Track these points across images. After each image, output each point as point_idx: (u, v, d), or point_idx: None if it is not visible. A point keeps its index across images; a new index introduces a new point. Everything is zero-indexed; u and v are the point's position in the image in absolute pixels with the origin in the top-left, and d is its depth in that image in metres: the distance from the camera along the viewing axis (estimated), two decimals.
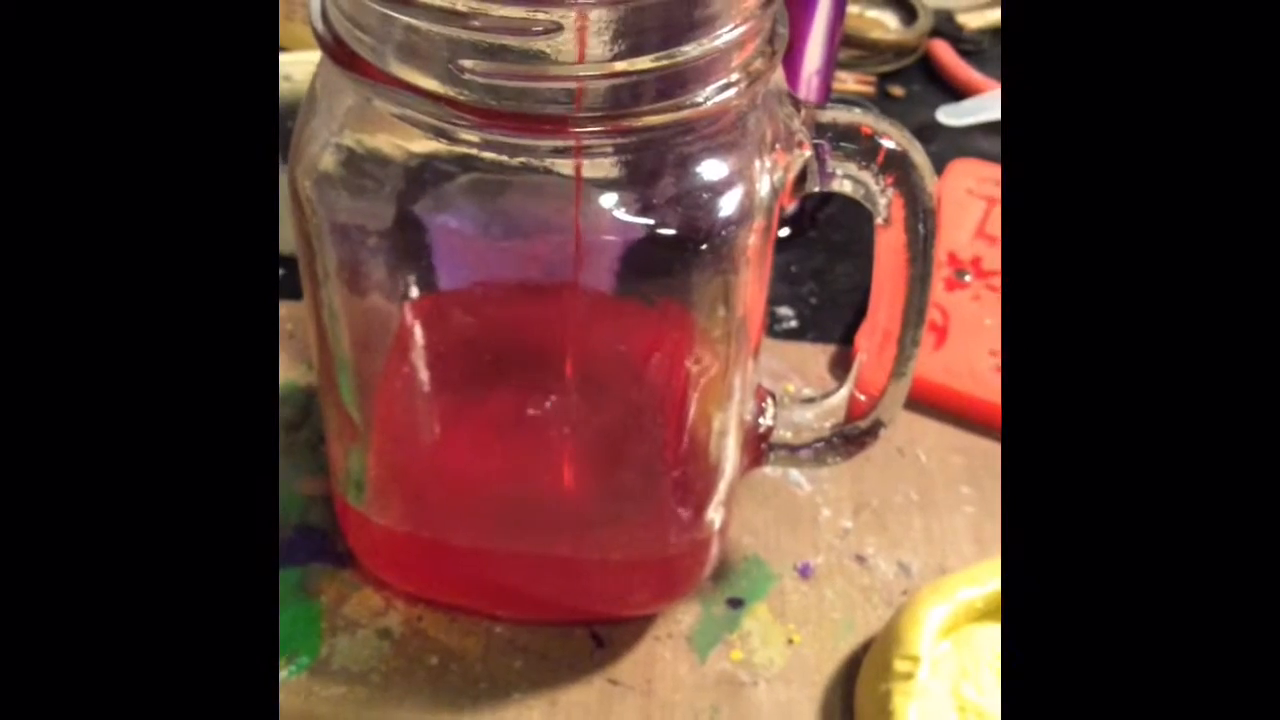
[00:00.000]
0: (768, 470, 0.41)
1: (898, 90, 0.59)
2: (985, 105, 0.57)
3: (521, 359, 0.34)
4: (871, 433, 0.35)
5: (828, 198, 0.53)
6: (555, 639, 0.36)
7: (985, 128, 0.57)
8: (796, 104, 0.30)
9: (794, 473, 0.41)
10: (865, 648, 0.36)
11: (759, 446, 0.35)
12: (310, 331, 0.32)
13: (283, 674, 0.34)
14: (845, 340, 0.46)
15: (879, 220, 0.31)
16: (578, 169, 0.27)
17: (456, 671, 0.35)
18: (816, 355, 0.46)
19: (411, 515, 0.34)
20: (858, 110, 0.30)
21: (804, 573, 0.38)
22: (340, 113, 0.28)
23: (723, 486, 0.34)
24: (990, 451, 0.42)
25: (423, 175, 0.28)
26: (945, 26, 0.63)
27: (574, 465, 0.34)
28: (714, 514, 0.34)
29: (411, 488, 0.34)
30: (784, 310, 0.47)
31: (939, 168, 0.52)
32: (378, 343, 0.31)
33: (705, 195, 0.27)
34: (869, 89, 0.59)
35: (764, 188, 0.28)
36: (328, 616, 0.36)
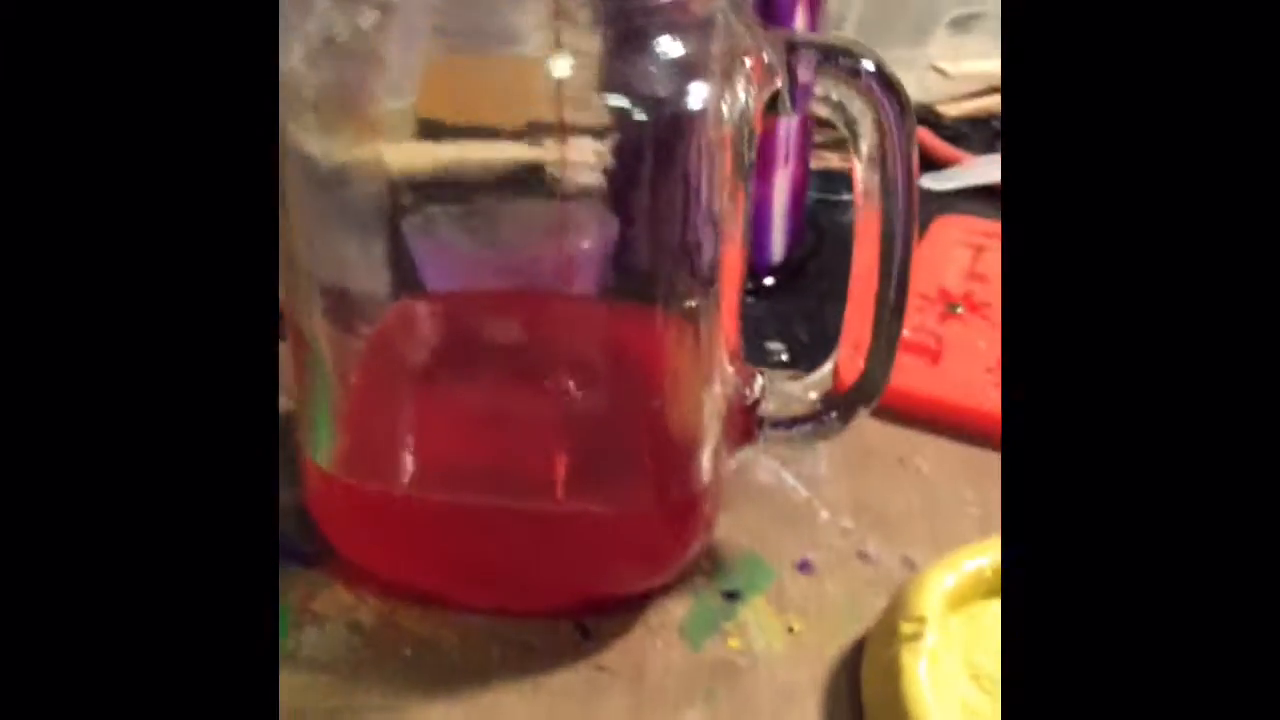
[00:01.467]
0: (761, 476, 0.40)
1: None
2: (967, 173, 0.58)
3: (505, 323, 0.33)
4: (862, 399, 0.34)
5: (817, 249, 0.53)
6: (538, 630, 0.33)
7: (968, 192, 0.57)
8: (767, 27, 0.30)
9: (790, 478, 0.39)
10: (868, 638, 0.34)
11: (748, 420, 0.34)
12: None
13: None
14: None
15: (858, 149, 0.31)
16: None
17: (431, 661, 0.32)
18: None
19: (384, 470, 0.32)
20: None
21: (803, 568, 0.36)
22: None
23: (709, 442, 0.32)
24: (992, 462, 0.41)
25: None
26: (924, 116, 0.64)
27: (556, 422, 0.32)
28: (702, 470, 0.32)
29: (386, 440, 0.32)
30: (774, 345, 0.47)
31: (925, 224, 0.52)
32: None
33: (669, 76, 0.27)
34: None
35: (732, 98, 0.28)
36: (294, 612, 0.34)
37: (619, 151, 0.28)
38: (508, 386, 0.32)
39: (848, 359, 0.34)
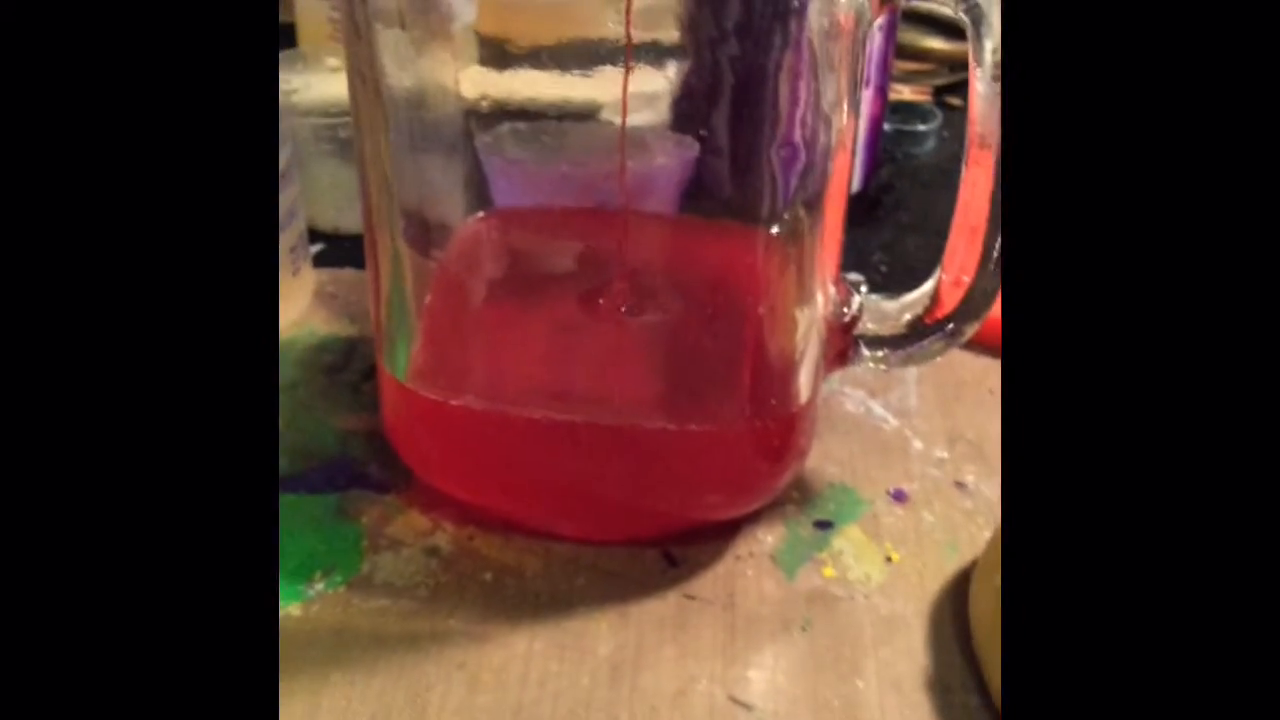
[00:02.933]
0: (849, 407, 0.38)
1: (956, 100, 0.58)
2: None
3: (594, 239, 0.31)
4: (964, 321, 0.32)
5: (892, 182, 0.51)
6: (623, 558, 0.32)
7: None
8: None
9: (878, 409, 0.38)
10: (975, 566, 0.32)
11: (845, 338, 0.32)
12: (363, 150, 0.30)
13: (318, 587, 0.30)
14: None
15: (979, 48, 0.28)
16: None
17: (513, 586, 0.31)
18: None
19: (467, 385, 0.30)
20: None
21: (898, 498, 0.34)
22: None
23: (807, 361, 0.30)
24: None
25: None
26: None
27: (649, 334, 0.30)
28: (800, 389, 0.30)
29: (470, 354, 0.30)
30: (854, 276, 0.45)
31: None
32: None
33: None
34: (927, 98, 0.57)
35: None
36: (369, 536, 0.32)
37: (702, 45, 0.26)
38: (594, 303, 0.31)
39: (947, 286, 0.32)
